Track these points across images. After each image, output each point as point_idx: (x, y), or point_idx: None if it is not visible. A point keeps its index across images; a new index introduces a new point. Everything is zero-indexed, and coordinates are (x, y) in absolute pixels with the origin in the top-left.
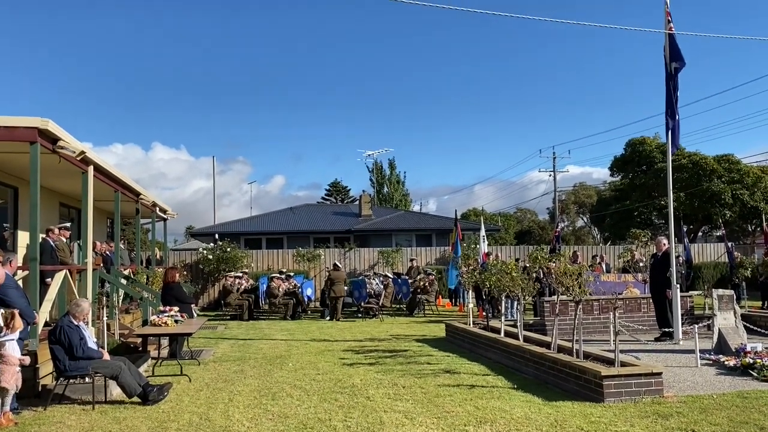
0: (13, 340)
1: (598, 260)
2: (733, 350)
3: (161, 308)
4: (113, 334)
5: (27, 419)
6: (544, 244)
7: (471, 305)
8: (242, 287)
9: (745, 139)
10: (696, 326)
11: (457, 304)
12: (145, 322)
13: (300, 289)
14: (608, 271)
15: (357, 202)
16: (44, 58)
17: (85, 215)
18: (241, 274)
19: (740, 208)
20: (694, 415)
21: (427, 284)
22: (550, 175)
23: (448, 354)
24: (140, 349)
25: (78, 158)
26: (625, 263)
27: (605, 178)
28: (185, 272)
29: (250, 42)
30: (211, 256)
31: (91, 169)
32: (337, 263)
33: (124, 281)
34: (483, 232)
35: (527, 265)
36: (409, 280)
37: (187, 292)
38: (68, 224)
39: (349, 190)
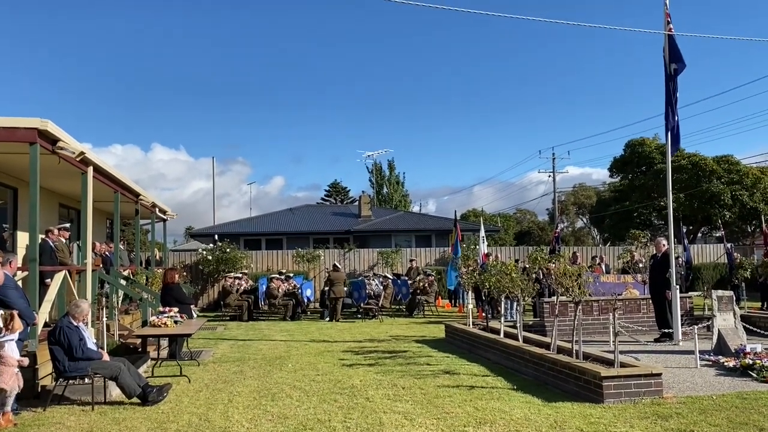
0: (12, 341)
1: (598, 261)
2: (733, 351)
3: (161, 309)
4: (113, 334)
5: (26, 420)
6: (543, 245)
7: (470, 306)
8: (242, 288)
9: (745, 139)
10: (695, 327)
11: (457, 304)
12: (144, 323)
13: (299, 290)
14: (608, 272)
15: (356, 203)
16: (44, 58)
17: (85, 216)
18: (240, 275)
19: (740, 209)
20: (693, 416)
21: (426, 285)
22: (549, 176)
23: (448, 355)
24: (140, 349)
25: (77, 159)
26: (625, 264)
27: (605, 179)
28: (185, 273)
29: (249, 42)
30: (210, 257)
31: (90, 169)
32: (337, 264)
33: (123, 282)
34: (482, 233)
35: (527, 265)
36: (409, 281)
37: (187, 293)
38: (68, 225)
39: (349, 190)
